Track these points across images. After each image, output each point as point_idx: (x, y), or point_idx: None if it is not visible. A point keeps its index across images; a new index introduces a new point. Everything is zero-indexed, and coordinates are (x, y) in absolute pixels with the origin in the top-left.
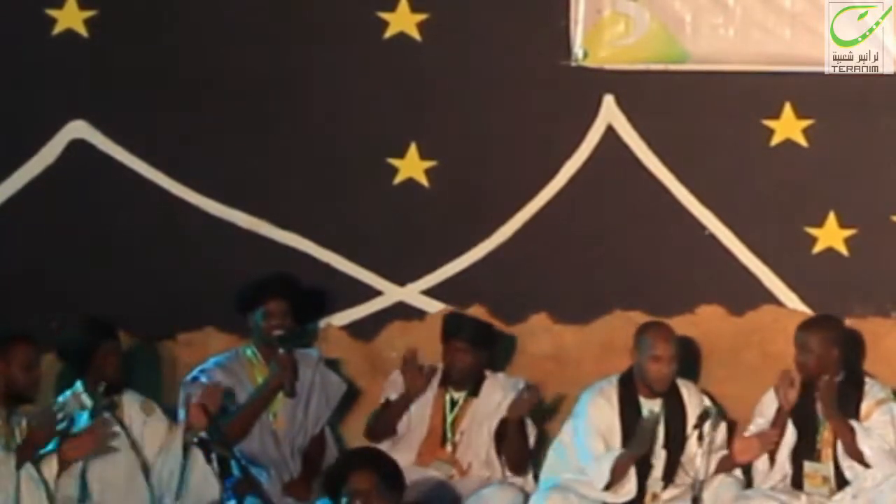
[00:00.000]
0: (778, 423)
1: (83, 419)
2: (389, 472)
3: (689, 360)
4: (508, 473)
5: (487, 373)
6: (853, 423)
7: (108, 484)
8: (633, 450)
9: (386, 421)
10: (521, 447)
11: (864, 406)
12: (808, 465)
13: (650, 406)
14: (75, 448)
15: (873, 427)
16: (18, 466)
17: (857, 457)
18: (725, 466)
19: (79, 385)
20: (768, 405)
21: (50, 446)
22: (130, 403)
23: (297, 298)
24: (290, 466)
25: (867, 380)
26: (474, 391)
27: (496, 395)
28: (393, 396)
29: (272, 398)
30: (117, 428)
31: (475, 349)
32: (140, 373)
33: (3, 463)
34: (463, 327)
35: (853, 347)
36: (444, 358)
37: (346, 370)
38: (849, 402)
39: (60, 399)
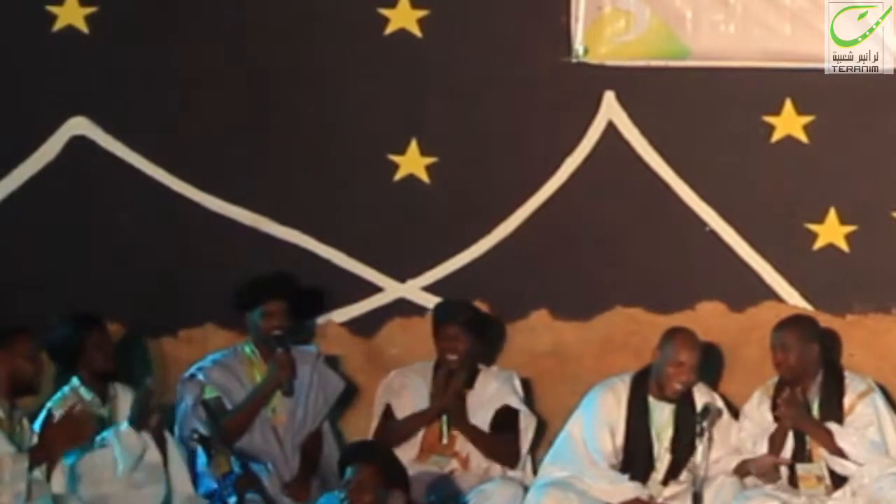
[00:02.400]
0: (778, 439)
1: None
2: (392, 470)
3: None
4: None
5: (481, 366)
6: (829, 424)
7: (97, 480)
8: None
9: (402, 437)
10: (490, 440)
11: (847, 400)
12: (800, 468)
13: (660, 408)
14: (56, 441)
15: (858, 420)
16: (31, 468)
17: (842, 455)
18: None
19: (75, 380)
20: (754, 410)
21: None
22: (125, 397)
23: (296, 298)
24: (291, 462)
25: (846, 374)
26: (469, 383)
27: (490, 386)
28: (393, 401)
29: (270, 397)
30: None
31: (468, 334)
32: (140, 370)
33: (16, 462)
34: (454, 312)
35: (829, 344)
36: (438, 349)
37: (346, 367)
38: (831, 399)
39: (57, 396)
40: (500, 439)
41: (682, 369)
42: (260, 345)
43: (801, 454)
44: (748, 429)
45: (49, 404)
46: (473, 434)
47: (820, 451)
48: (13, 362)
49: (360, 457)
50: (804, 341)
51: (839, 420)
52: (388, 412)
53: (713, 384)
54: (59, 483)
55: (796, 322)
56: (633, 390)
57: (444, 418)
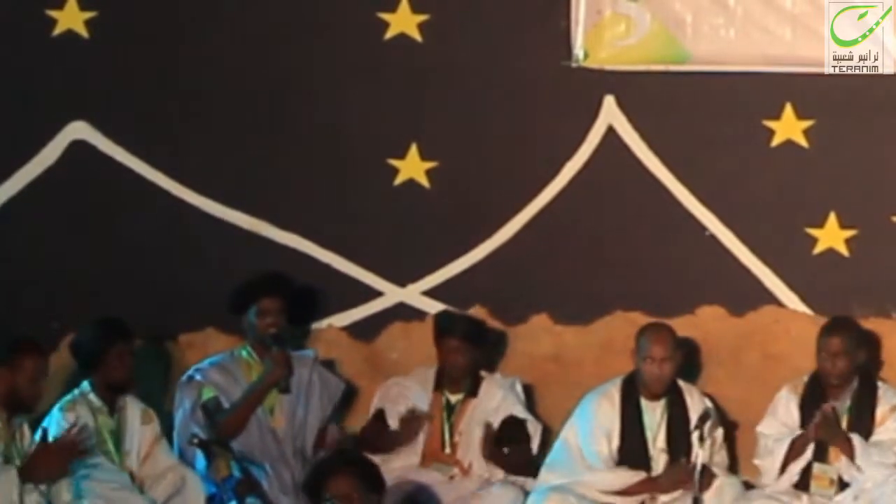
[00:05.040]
0: (799, 445)
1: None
2: (368, 473)
3: (689, 361)
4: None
5: (483, 373)
6: (854, 440)
7: (101, 491)
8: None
9: (376, 447)
10: (519, 455)
11: (879, 412)
12: (817, 467)
13: (652, 408)
14: (49, 462)
15: (886, 433)
16: (24, 481)
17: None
18: None
19: (86, 385)
20: (781, 405)
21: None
22: (133, 409)
23: (291, 297)
24: (291, 465)
25: (880, 384)
26: (472, 392)
27: (495, 395)
28: (388, 407)
29: (266, 395)
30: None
31: (469, 347)
32: (141, 374)
33: (4, 472)
34: (454, 325)
35: (871, 350)
36: (439, 358)
37: (346, 371)
38: (862, 409)
39: (67, 398)
40: (518, 455)
41: (654, 363)
42: (256, 346)
43: (820, 454)
44: (772, 424)
45: (58, 405)
46: (499, 460)
47: (838, 455)
48: (14, 380)
49: (336, 469)
50: (854, 345)
51: (868, 431)
52: (379, 416)
53: (713, 388)
54: (63, 494)
55: (845, 326)
56: (624, 393)
57: (447, 427)
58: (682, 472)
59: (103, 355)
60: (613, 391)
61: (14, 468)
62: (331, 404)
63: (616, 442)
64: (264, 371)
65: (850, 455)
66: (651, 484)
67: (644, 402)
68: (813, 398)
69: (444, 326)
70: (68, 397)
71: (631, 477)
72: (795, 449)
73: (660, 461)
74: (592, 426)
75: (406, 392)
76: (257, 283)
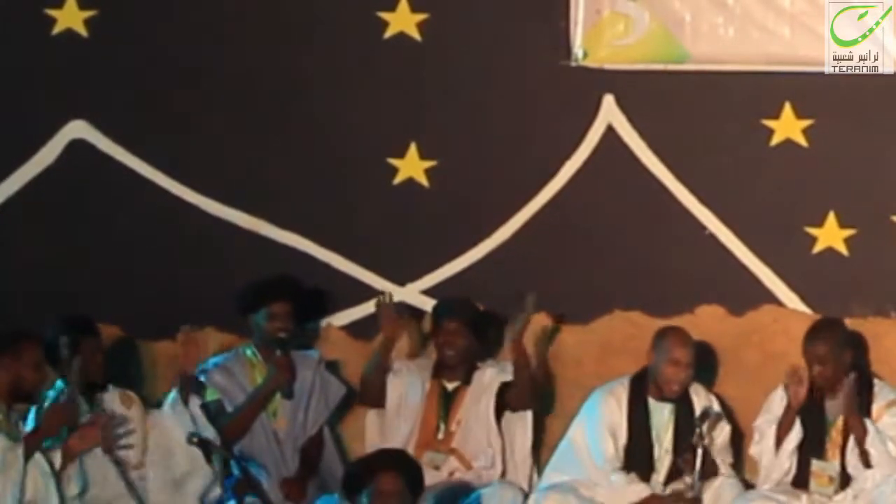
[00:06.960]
0: (786, 421)
1: None
2: (414, 475)
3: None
4: (508, 466)
5: (478, 364)
6: (869, 424)
7: (103, 480)
8: None
9: (374, 380)
10: (528, 382)
11: (875, 408)
12: (815, 464)
13: (660, 408)
14: (80, 440)
15: (884, 429)
16: (27, 456)
17: (864, 457)
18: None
19: (60, 385)
20: (776, 401)
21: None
22: (112, 397)
23: (300, 300)
24: (290, 466)
25: (876, 381)
26: (467, 380)
27: (486, 373)
28: (390, 378)
29: (269, 399)
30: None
31: (468, 329)
32: (139, 372)
33: (11, 451)
34: (454, 308)
35: (859, 348)
36: (436, 346)
37: (345, 370)
38: (859, 405)
39: (46, 404)
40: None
41: (678, 367)
42: (261, 347)
43: (818, 451)
44: (767, 420)
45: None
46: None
47: (836, 452)
48: (18, 370)
49: (386, 465)
50: (838, 349)
51: None
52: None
53: (712, 388)
54: (72, 485)
55: (828, 330)
56: (632, 392)
57: (442, 414)
58: (686, 492)
59: (74, 356)
60: (620, 390)
61: (21, 446)
62: (328, 409)
63: (623, 441)
64: (268, 375)
65: (862, 436)
66: (656, 501)
67: (652, 402)
68: (808, 396)
69: (442, 311)
70: (46, 402)
71: (638, 492)
72: (785, 423)
73: (664, 462)
74: (599, 425)
75: (405, 371)
76: (268, 287)
